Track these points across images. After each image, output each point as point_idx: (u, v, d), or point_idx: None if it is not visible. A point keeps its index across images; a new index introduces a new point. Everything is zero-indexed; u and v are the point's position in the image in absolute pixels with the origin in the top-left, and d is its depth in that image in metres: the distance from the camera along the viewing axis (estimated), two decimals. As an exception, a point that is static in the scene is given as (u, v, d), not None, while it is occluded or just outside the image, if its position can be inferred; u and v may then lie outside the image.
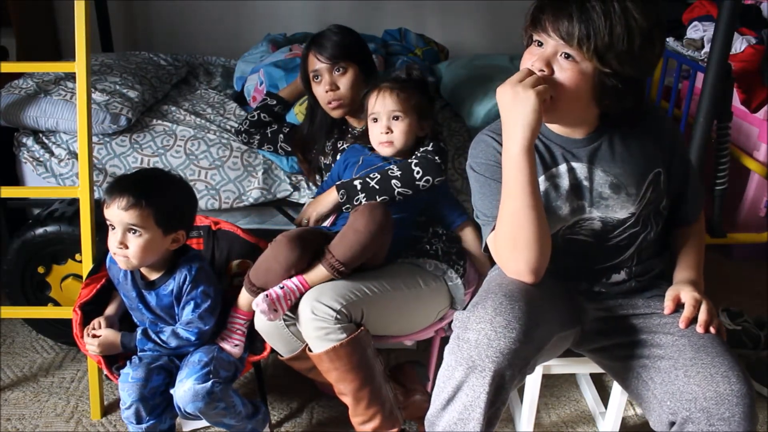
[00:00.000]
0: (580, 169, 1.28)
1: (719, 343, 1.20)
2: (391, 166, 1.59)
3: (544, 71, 1.15)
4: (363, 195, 1.57)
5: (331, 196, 1.62)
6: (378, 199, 1.56)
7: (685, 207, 1.39)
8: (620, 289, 1.36)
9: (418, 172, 1.56)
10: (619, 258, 1.33)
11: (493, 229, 1.27)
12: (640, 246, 1.33)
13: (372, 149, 1.67)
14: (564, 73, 1.15)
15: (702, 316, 1.23)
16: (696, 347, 1.20)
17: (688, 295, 1.26)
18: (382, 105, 1.59)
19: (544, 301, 1.23)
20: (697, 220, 1.43)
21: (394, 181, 1.56)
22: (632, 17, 1.11)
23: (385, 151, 1.62)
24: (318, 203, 1.66)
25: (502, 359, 1.11)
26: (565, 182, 1.28)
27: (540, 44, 1.18)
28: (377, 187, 1.56)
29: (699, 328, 1.21)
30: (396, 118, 1.59)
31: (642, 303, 1.35)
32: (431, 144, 1.61)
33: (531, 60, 1.18)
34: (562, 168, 1.28)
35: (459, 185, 1.98)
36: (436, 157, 1.58)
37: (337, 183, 1.63)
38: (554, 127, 1.30)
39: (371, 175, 1.58)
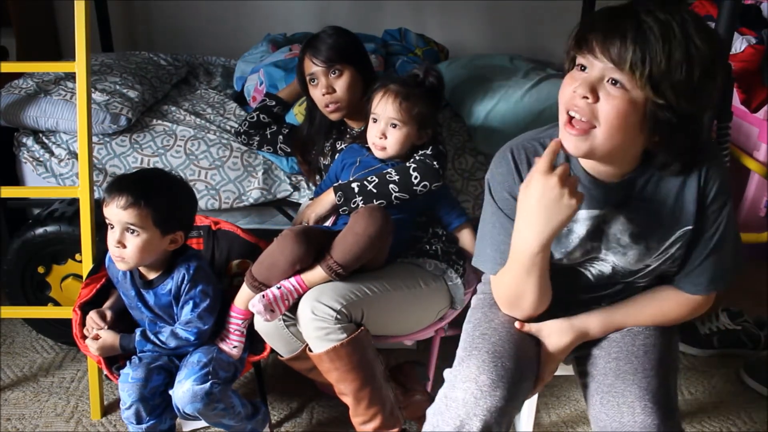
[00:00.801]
0: (603, 215, 1.18)
1: (644, 369, 1.18)
2: (389, 170, 1.58)
3: (587, 98, 1.02)
4: (360, 198, 1.56)
5: (329, 198, 1.62)
6: (375, 203, 1.55)
7: (692, 274, 1.21)
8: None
9: (416, 178, 1.55)
10: (606, 292, 1.30)
11: (498, 264, 1.24)
12: (631, 291, 1.29)
13: (370, 150, 1.66)
14: (610, 101, 1.01)
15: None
16: (617, 373, 1.19)
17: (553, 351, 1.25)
18: (383, 109, 1.58)
19: (528, 347, 1.23)
20: (699, 293, 1.22)
21: (391, 186, 1.55)
22: (693, 44, 0.98)
23: (377, 153, 1.62)
24: (316, 205, 1.66)
25: (489, 417, 1.11)
26: (581, 228, 1.19)
27: (584, 68, 1.04)
28: (375, 191, 1.56)
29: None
30: (393, 125, 1.58)
31: None
32: (431, 147, 1.60)
33: (573, 85, 1.04)
34: (582, 214, 1.19)
35: (459, 186, 1.98)
36: (435, 163, 1.57)
37: (335, 185, 1.62)
38: (588, 165, 1.16)
39: (369, 179, 1.57)
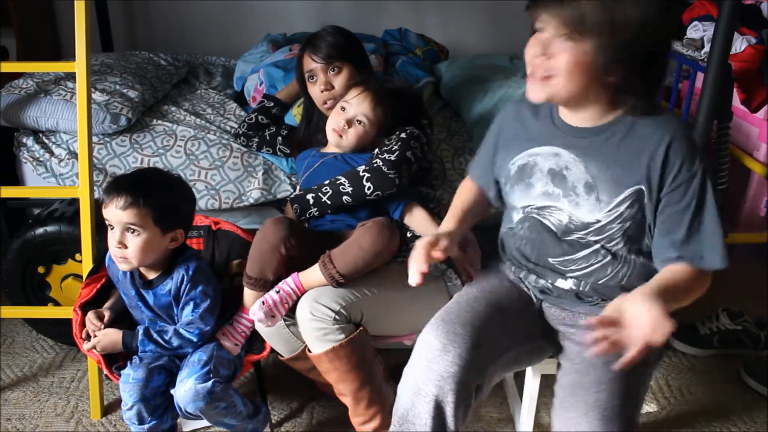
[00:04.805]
0: (566, 157, 1.24)
1: (598, 383, 1.17)
2: (342, 181, 1.57)
3: (544, 55, 1.14)
4: (315, 209, 1.60)
5: (291, 210, 1.66)
6: (329, 212, 1.60)
7: (685, 245, 1.17)
8: (565, 296, 1.31)
9: (369, 188, 1.55)
10: (570, 256, 1.27)
11: (473, 174, 1.48)
12: (595, 257, 1.25)
13: (318, 149, 1.72)
14: (564, 55, 1.12)
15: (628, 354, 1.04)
16: (571, 388, 1.20)
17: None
18: (357, 103, 1.62)
19: (489, 318, 1.25)
20: (701, 268, 1.17)
21: (345, 198, 1.56)
22: None
23: (332, 138, 1.64)
24: (286, 215, 1.71)
25: (442, 383, 1.14)
26: (545, 164, 1.27)
27: (541, 30, 1.16)
28: (329, 202, 1.58)
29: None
30: (359, 122, 1.61)
31: (582, 315, 1.32)
32: (396, 152, 1.57)
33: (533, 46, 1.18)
34: (547, 149, 1.27)
35: (458, 186, 1.97)
36: (391, 172, 1.55)
37: (291, 197, 1.65)
38: (563, 113, 1.27)
39: (323, 190, 1.58)
